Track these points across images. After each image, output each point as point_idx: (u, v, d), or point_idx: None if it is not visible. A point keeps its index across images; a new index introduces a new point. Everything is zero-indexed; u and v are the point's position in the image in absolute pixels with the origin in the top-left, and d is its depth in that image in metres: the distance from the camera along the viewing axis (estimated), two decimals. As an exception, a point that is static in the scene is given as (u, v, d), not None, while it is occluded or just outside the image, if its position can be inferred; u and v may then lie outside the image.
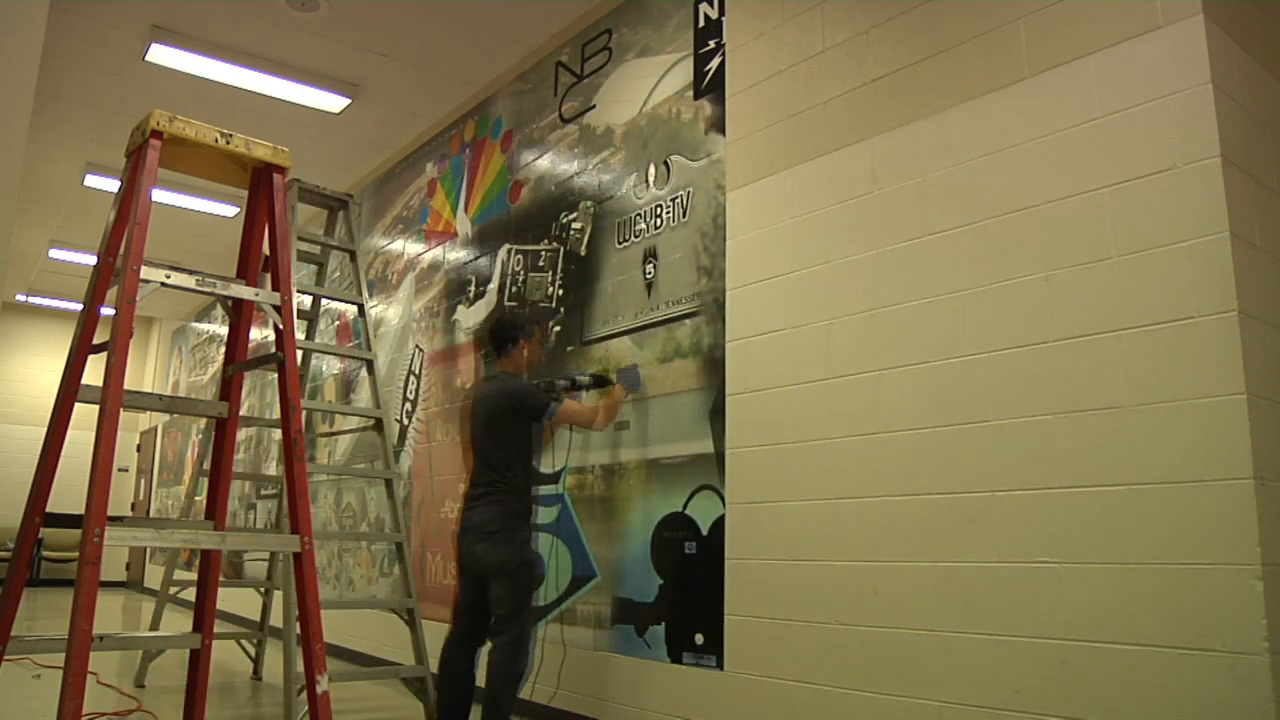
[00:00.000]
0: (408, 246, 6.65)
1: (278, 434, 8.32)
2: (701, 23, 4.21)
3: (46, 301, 12.46)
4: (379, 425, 4.89)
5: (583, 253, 4.73)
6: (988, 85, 2.98)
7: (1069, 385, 2.65)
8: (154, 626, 5.70)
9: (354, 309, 7.34)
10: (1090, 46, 2.73)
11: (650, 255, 4.26)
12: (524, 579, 3.80)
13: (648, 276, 4.26)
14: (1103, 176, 2.65)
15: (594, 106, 4.85)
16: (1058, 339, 2.69)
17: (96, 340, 2.81)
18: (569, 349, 4.69)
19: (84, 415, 2.79)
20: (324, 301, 5.69)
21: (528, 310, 5.02)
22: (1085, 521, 2.56)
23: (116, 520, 2.41)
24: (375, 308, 6.98)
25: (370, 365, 5.05)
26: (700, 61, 4.18)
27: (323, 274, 5.37)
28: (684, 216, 4.12)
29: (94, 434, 2.39)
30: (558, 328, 4.81)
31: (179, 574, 6.11)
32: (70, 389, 2.72)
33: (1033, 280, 2.77)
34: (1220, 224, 2.40)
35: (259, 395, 9.44)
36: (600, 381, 4.29)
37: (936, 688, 2.85)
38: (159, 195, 7.97)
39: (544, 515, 4.66)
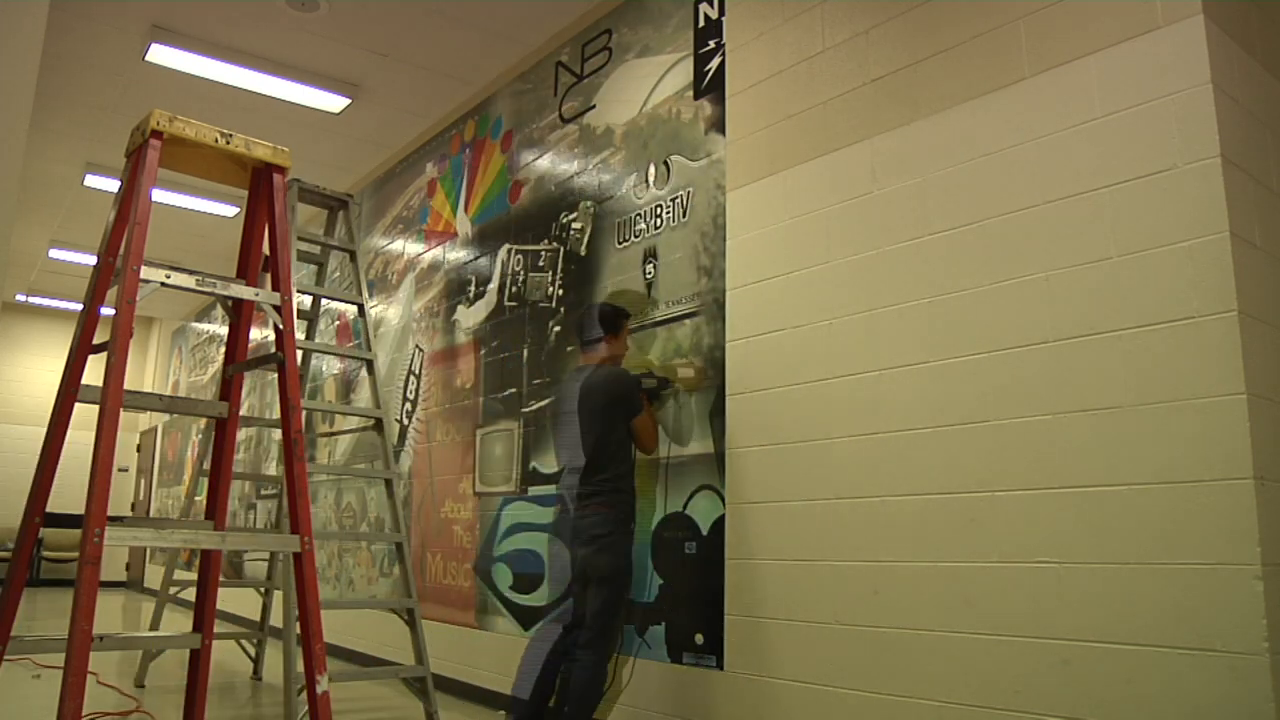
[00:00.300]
0: (408, 246, 6.65)
1: (278, 434, 8.32)
2: (701, 23, 4.21)
3: (46, 301, 12.46)
4: (379, 425, 4.89)
5: (583, 253, 4.73)
6: (988, 85, 2.98)
7: (1069, 385, 2.65)
8: (154, 626, 5.70)
9: (354, 309, 7.34)
10: (1090, 46, 2.73)
11: (650, 255, 4.26)
12: (620, 590, 3.69)
13: (648, 276, 4.26)
14: (1103, 176, 2.65)
15: (594, 106, 4.85)
16: (1058, 339, 2.69)
17: (96, 340, 2.81)
18: (569, 349, 4.69)
19: (84, 415, 2.79)
20: (324, 301, 5.69)
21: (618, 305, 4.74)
22: (1085, 521, 2.56)
23: (116, 520, 2.41)
24: (375, 308, 6.98)
25: (370, 365, 5.05)
26: (700, 61, 4.18)
27: (323, 274, 5.37)
28: (684, 216, 4.12)
29: (94, 434, 2.39)
30: (557, 328, 4.81)
31: (179, 574, 6.11)
32: (70, 389, 2.72)
33: (1033, 280, 2.77)
34: (1220, 224, 2.40)
35: (259, 395, 9.44)
36: (663, 384, 4.04)
37: (937, 688, 2.85)
38: (159, 195, 7.97)
39: (542, 516, 4.66)
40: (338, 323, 7.59)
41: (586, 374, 3.85)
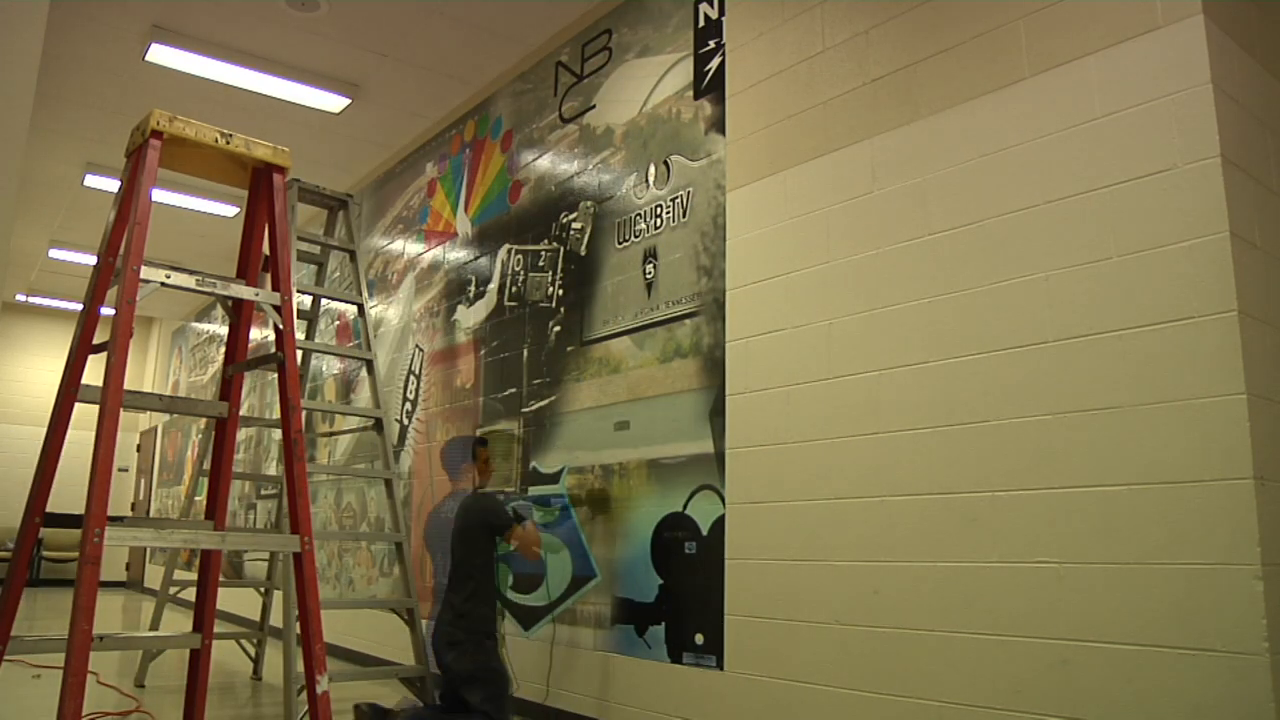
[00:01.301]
0: (408, 246, 6.65)
1: (278, 434, 8.32)
2: (701, 23, 4.21)
3: (46, 301, 12.47)
4: (379, 425, 4.90)
5: (583, 253, 4.73)
6: (987, 85, 2.98)
7: (1069, 385, 2.65)
8: (154, 626, 5.70)
9: (354, 309, 7.34)
10: (1090, 47, 2.73)
11: (650, 255, 4.26)
12: (494, 683, 3.94)
13: (648, 276, 4.25)
14: (1102, 177, 2.65)
15: (594, 106, 4.85)
16: (1057, 339, 2.69)
17: (96, 340, 2.81)
18: (569, 349, 4.69)
19: (84, 415, 2.79)
20: (324, 301, 5.68)
21: (475, 437, 5.14)
22: (1086, 521, 2.56)
23: (116, 520, 2.41)
24: (375, 308, 6.98)
25: (370, 365, 5.05)
26: (700, 61, 4.18)
27: (323, 274, 5.37)
28: (684, 216, 4.12)
29: (94, 434, 2.39)
30: (558, 328, 4.81)
31: (179, 574, 6.11)
32: (70, 389, 2.72)
33: (1032, 280, 2.77)
34: (1220, 224, 2.40)
35: (259, 395, 9.44)
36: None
37: (937, 687, 2.85)
38: (159, 195, 7.97)
39: (543, 516, 4.66)
40: (338, 323, 7.59)
41: (469, 498, 4.22)
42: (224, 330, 9.86)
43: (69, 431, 2.78)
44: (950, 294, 2.99)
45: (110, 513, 2.35)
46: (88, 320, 2.80)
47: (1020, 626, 2.67)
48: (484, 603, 4.01)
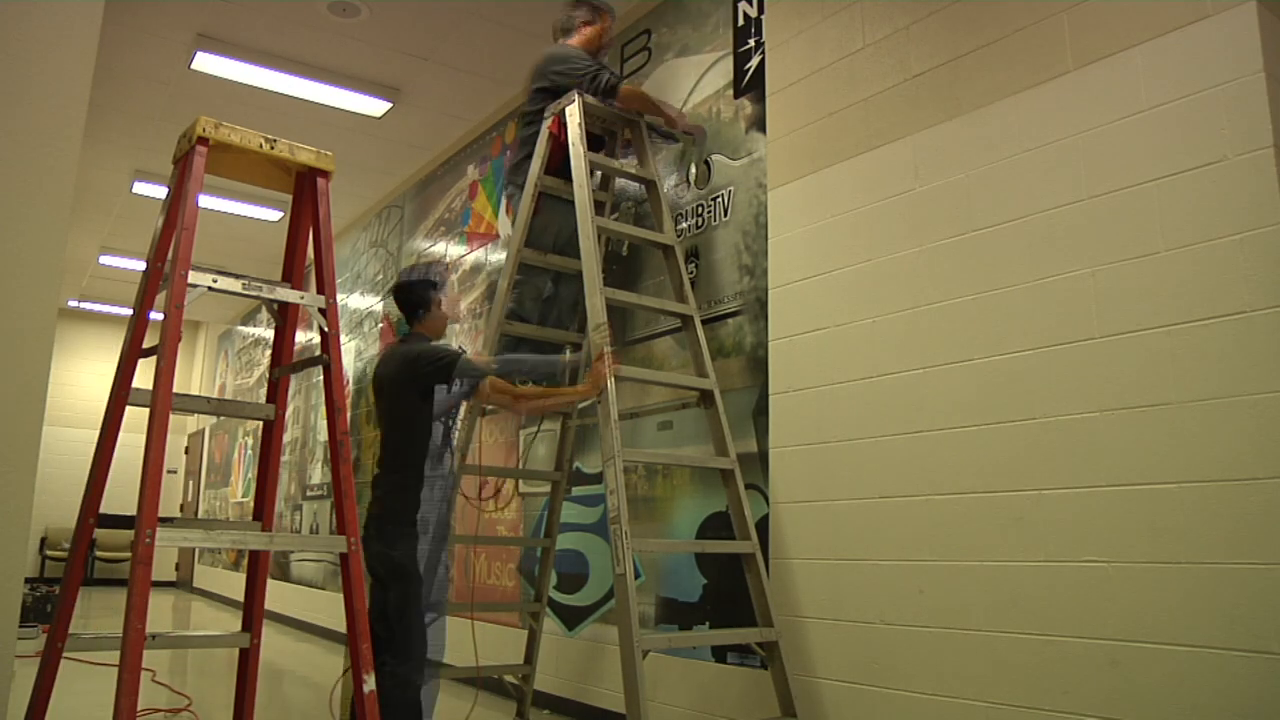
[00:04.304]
0: (450, 248, 6.69)
1: (323, 435, 8.41)
2: (740, 21, 4.20)
3: (97, 307, 12.72)
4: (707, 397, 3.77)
5: (624, 253, 4.73)
6: (1031, 79, 2.94)
7: (1117, 382, 2.61)
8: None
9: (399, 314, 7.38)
10: (1136, 37, 2.68)
11: (692, 255, 4.25)
12: (415, 586, 3.35)
13: (690, 276, 4.24)
14: (1150, 170, 2.61)
15: (633, 107, 4.84)
16: (1104, 335, 2.65)
17: (146, 344, 2.86)
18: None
19: (134, 418, 2.84)
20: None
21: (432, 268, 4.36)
22: (1135, 520, 2.52)
23: (167, 521, 2.45)
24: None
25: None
26: (740, 60, 4.17)
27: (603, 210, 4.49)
28: (725, 215, 4.11)
29: (144, 436, 2.43)
30: (599, 328, 4.80)
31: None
32: (121, 392, 2.77)
33: (1078, 276, 2.73)
34: (1273, 216, 2.35)
35: (304, 398, 9.55)
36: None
37: (984, 688, 2.82)
38: (205, 201, 8.09)
39: (587, 516, 4.67)
40: (381, 324, 7.66)
41: (398, 347, 3.57)
42: (269, 333, 9.99)
43: (120, 434, 2.83)
44: (995, 291, 2.96)
45: (160, 514, 2.39)
46: (137, 325, 2.85)
47: (1068, 626, 2.63)
48: (414, 484, 3.37)
